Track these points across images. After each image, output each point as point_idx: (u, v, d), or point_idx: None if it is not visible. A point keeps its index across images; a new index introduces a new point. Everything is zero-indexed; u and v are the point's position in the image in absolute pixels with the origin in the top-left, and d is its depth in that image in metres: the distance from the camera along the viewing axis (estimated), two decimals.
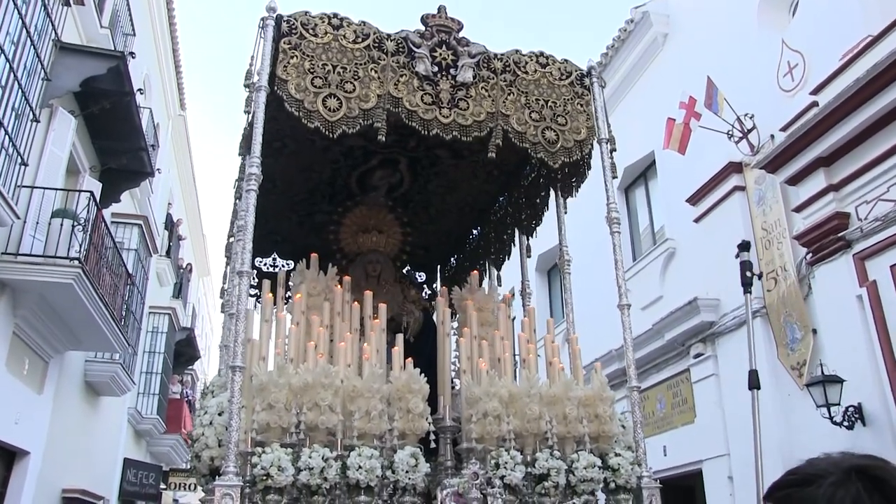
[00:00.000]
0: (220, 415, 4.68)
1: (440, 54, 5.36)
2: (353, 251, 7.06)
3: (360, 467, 4.24)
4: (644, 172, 12.60)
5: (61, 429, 10.31)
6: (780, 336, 8.79)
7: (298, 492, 4.22)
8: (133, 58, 10.79)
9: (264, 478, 4.08)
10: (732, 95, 9.57)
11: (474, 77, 5.38)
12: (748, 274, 7.69)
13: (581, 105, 5.70)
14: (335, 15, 5.26)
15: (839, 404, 7.46)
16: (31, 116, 7.36)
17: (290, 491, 4.19)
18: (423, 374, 4.91)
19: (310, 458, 4.19)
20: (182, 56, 17.16)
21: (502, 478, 4.49)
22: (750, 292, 7.71)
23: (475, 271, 6.94)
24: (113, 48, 10.62)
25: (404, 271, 7.66)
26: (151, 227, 13.28)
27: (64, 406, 10.45)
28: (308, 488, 4.20)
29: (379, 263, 6.95)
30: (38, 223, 8.31)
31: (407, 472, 4.37)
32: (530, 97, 5.54)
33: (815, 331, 8.25)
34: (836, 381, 7.51)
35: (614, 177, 5.72)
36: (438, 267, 8.32)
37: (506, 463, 4.54)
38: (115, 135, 10.35)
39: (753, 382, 7.45)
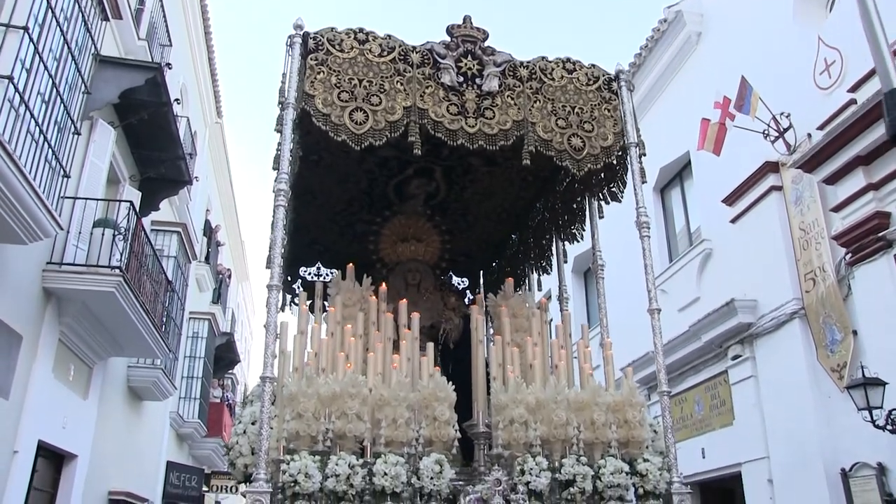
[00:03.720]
0: (252, 424, 4.79)
1: (465, 64, 5.40)
2: (392, 260, 7.15)
3: (385, 474, 4.31)
4: (679, 173, 12.47)
5: (106, 433, 10.55)
6: (819, 337, 8.65)
7: (326, 498, 4.30)
8: (170, 68, 10.98)
9: (292, 484, 4.18)
10: (768, 94, 9.43)
11: (500, 86, 5.40)
12: None
13: (608, 110, 5.67)
14: (361, 30, 5.33)
15: (882, 407, 7.31)
16: (72, 129, 7.52)
17: (318, 497, 4.28)
18: (462, 381, 4.96)
19: (336, 465, 4.27)
20: (218, 64, 17.41)
21: (527, 484, 4.52)
22: None
23: (510, 278, 6.96)
24: (150, 59, 10.80)
25: (445, 278, 7.70)
26: (190, 234, 13.47)
27: (108, 410, 10.69)
28: (335, 495, 4.28)
29: (418, 272, 7.02)
30: (80, 233, 8.50)
31: (431, 478, 4.42)
32: (557, 104, 5.54)
33: (855, 332, 8.10)
34: (878, 383, 7.36)
35: (644, 181, 5.66)
36: (482, 273, 8.34)
37: (531, 469, 4.56)
38: (154, 144, 10.53)
39: None
